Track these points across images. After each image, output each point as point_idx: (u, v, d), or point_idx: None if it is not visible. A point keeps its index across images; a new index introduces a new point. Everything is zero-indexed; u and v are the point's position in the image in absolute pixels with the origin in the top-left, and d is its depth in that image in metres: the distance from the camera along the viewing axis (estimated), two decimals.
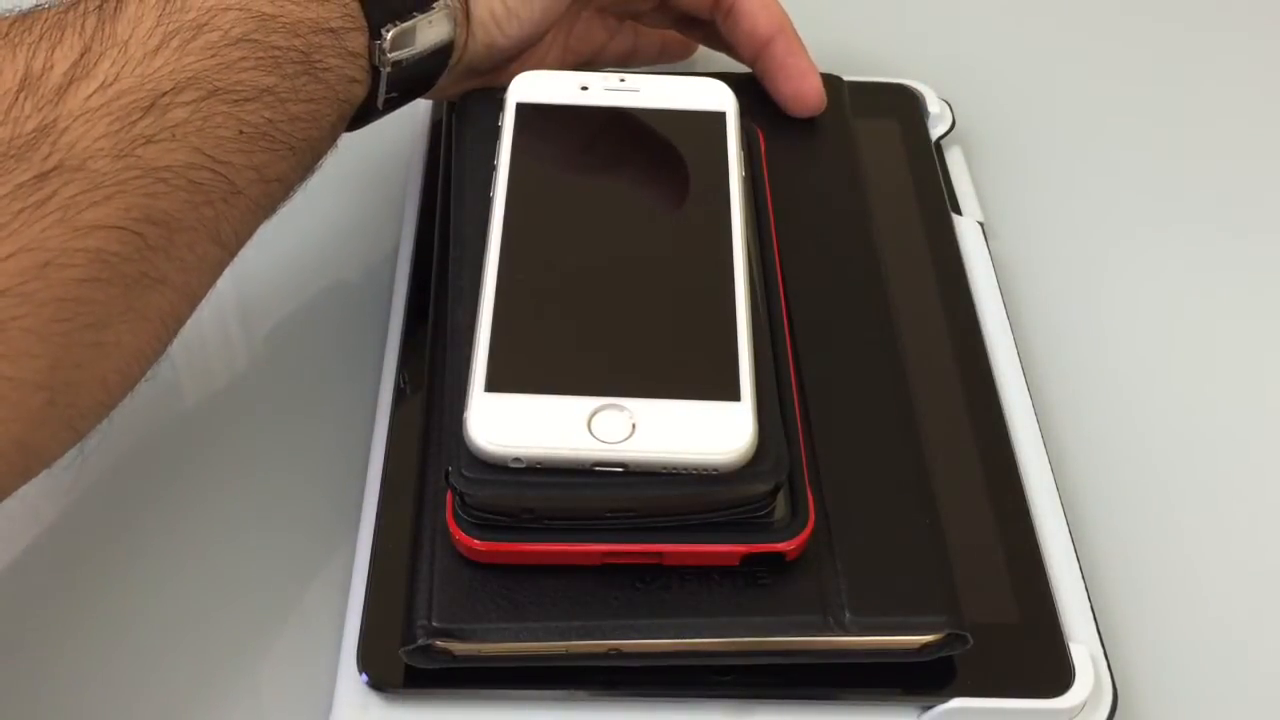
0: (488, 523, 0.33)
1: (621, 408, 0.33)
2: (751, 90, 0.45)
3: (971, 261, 0.45)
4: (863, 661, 0.34)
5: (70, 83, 0.31)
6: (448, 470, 0.33)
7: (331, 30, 0.36)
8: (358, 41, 0.37)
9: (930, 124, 0.49)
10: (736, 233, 0.37)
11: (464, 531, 0.33)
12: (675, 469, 0.32)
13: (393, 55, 0.37)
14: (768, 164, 0.42)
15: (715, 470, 0.32)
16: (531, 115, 0.40)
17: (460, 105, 0.43)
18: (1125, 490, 0.41)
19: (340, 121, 0.38)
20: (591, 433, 0.32)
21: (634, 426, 0.32)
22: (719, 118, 0.40)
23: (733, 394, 0.33)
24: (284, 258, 0.45)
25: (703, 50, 0.50)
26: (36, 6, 0.33)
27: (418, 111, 0.47)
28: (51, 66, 0.31)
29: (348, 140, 0.39)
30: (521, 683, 0.34)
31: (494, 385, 0.33)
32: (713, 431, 0.33)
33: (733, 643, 0.33)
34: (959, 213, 0.47)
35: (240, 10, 0.34)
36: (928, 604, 0.34)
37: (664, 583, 0.34)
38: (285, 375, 0.43)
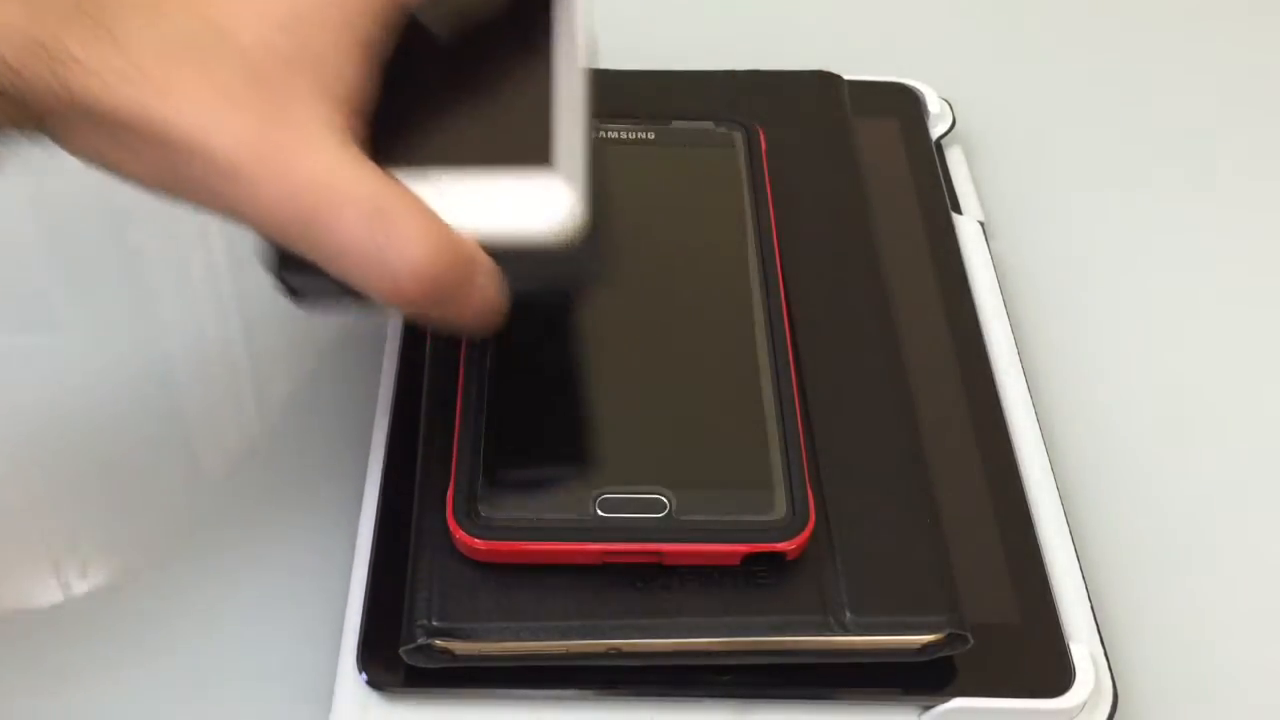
0: (491, 522, 0.33)
1: (429, 179, 0.31)
2: (752, 90, 0.45)
3: (971, 261, 0.45)
4: (863, 661, 0.34)
5: None
6: (277, 267, 0.31)
7: None
8: None
9: (930, 124, 0.49)
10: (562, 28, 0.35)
11: (464, 531, 0.33)
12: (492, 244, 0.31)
13: None
14: (768, 163, 0.42)
15: (532, 242, 0.31)
16: None
17: None
18: (1125, 490, 0.41)
19: None
20: None
21: (442, 196, 0.30)
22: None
23: (544, 161, 0.31)
24: None
25: (702, 50, 0.50)
26: None
27: None
28: None
29: None
30: (521, 683, 0.34)
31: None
32: (527, 202, 0.31)
33: (733, 643, 0.33)
34: (959, 212, 0.47)
35: None
36: (928, 604, 0.34)
37: (664, 583, 0.34)
38: (286, 371, 0.43)
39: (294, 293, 0.31)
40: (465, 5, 0.35)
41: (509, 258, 0.30)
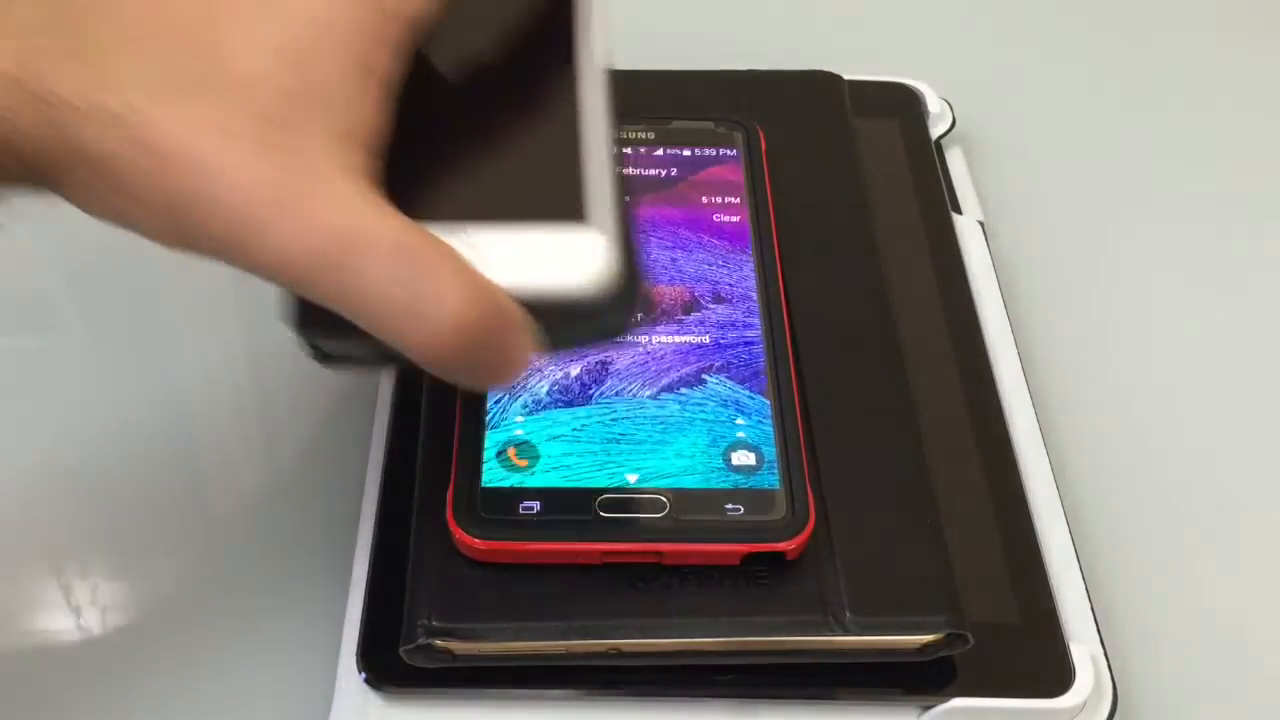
0: (491, 522, 0.33)
1: (463, 234, 0.29)
2: (752, 90, 0.45)
3: (971, 261, 0.45)
4: (862, 661, 0.34)
5: None
6: (296, 324, 0.30)
7: None
8: None
9: (930, 123, 0.49)
10: (586, 65, 0.33)
11: (464, 530, 0.33)
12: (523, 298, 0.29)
13: None
14: (768, 163, 0.42)
15: (566, 297, 0.29)
16: None
17: None
18: (1125, 490, 0.41)
19: None
20: None
21: (474, 250, 0.29)
22: None
23: (578, 216, 0.30)
24: None
25: (703, 50, 0.50)
26: None
27: None
28: None
29: None
30: (521, 683, 0.34)
31: None
32: (561, 256, 0.29)
33: (733, 643, 0.33)
34: (959, 212, 0.47)
35: None
36: (928, 604, 0.34)
37: (664, 583, 0.34)
38: (287, 371, 0.43)
39: (322, 355, 0.30)
40: (476, 34, 0.33)
41: (542, 313, 0.29)
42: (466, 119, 0.32)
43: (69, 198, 0.27)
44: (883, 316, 0.40)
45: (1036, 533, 0.37)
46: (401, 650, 0.33)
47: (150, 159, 0.26)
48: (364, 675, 0.34)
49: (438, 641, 0.32)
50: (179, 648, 0.37)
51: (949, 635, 0.33)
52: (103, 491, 0.40)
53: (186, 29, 0.27)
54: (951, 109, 0.50)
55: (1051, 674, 0.35)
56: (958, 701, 0.34)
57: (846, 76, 0.48)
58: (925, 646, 0.33)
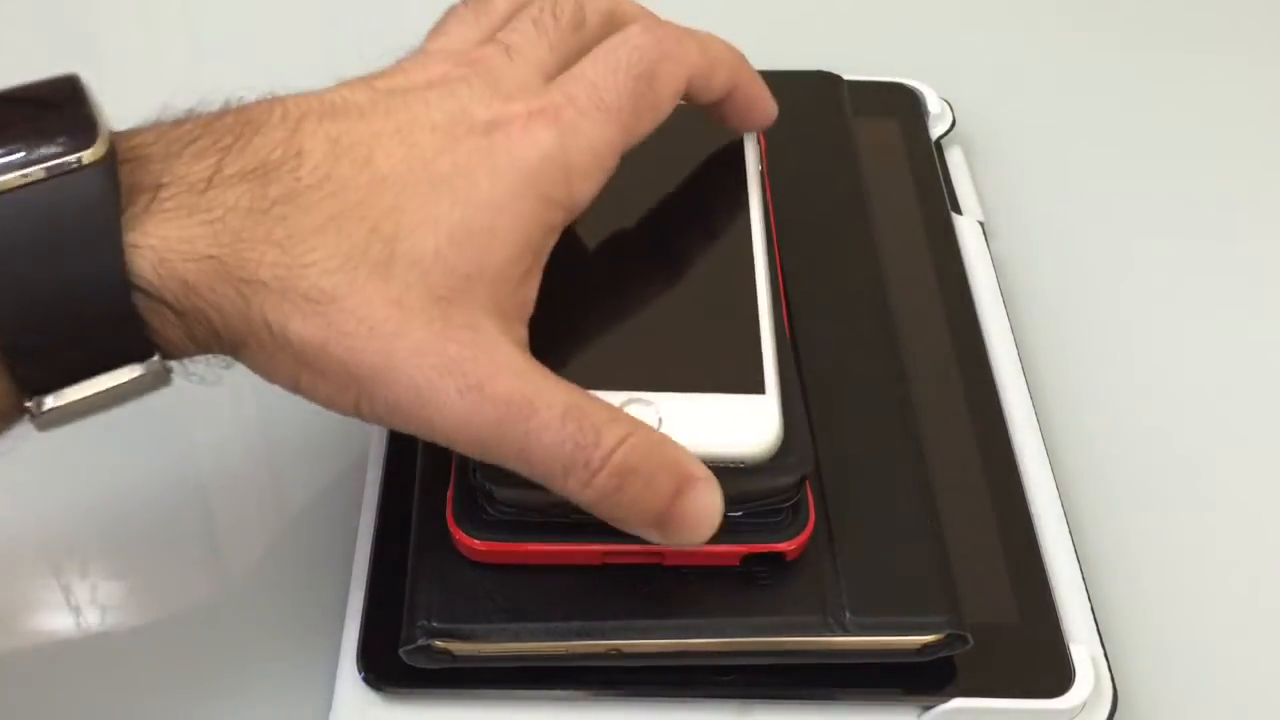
0: (491, 522, 0.33)
1: (648, 403, 0.32)
2: None
3: (971, 261, 0.45)
4: (863, 661, 0.34)
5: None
6: (474, 469, 0.32)
7: None
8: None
9: (930, 124, 0.49)
10: (757, 232, 0.37)
11: (464, 531, 0.33)
12: (704, 462, 0.32)
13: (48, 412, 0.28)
14: (768, 163, 0.42)
15: (743, 463, 0.32)
16: None
17: None
18: (1125, 490, 0.41)
19: None
20: None
21: (660, 421, 0.32)
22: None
23: (758, 387, 0.33)
24: None
25: None
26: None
27: None
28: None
29: None
30: (521, 683, 0.34)
31: None
32: (740, 424, 0.32)
33: (733, 643, 0.33)
34: (959, 212, 0.47)
35: None
36: (928, 604, 0.34)
37: (664, 583, 0.34)
38: None
39: (497, 503, 0.33)
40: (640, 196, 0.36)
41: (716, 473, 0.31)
42: (642, 292, 0.35)
43: (253, 367, 0.29)
44: (883, 317, 0.40)
45: (1036, 533, 0.37)
46: (401, 651, 0.33)
47: (334, 343, 0.28)
48: (364, 675, 0.34)
49: (438, 642, 0.32)
50: (179, 648, 0.37)
51: (949, 635, 0.33)
52: (103, 491, 0.40)
53: (368, 214, 0.29)
54: (951, 109, 0.50)
55: (1051, 674, 0.35)
56: (958, 701, 0.34)
57: (846, 76, 0.48)
58: (925, 647, 0.33)
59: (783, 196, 0.42)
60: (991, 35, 0.57)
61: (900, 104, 0.49)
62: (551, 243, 0.32)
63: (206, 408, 0.43)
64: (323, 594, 0.37)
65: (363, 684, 0.34)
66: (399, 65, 0.33)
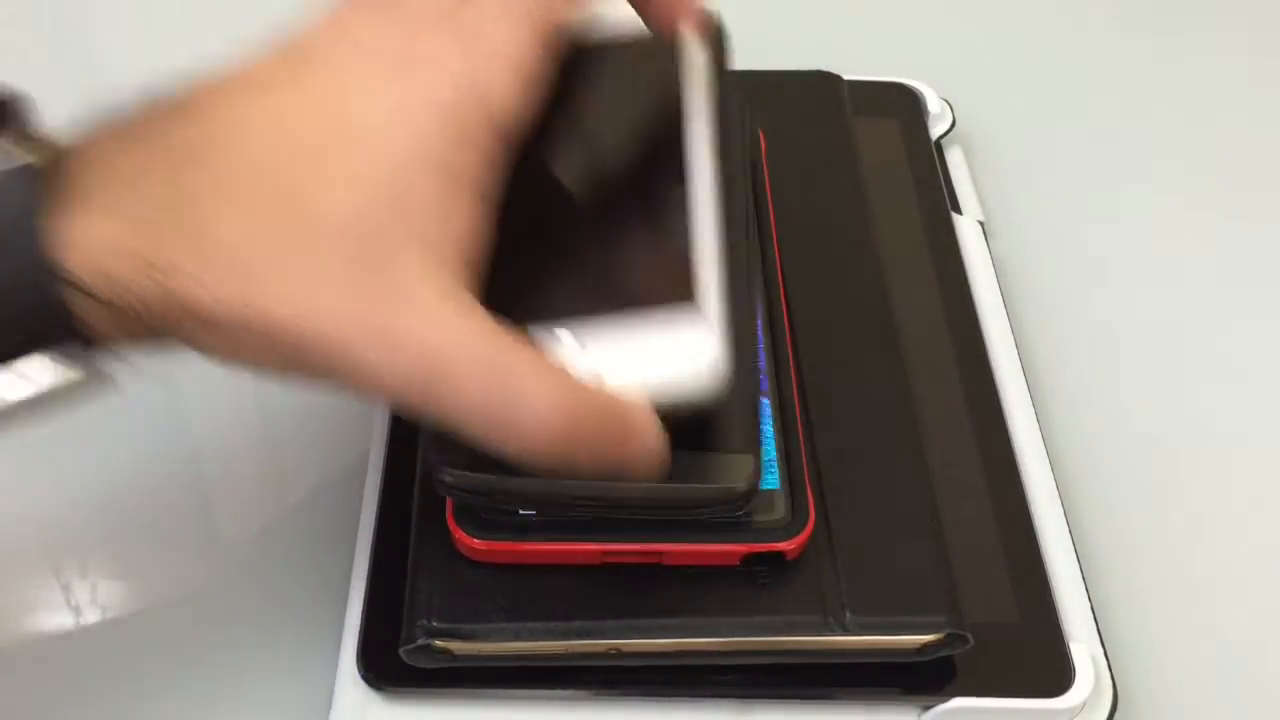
0: (491, 522, 0.33)
1: (576, 333, 0.30)
2: (752, 90, 0.45)
3: (971, 261, 0.45)
4: (863, 661, 0.34)
5: None
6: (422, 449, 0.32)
7: None
8: None
9: (930, 124, 0.49)
10: (699, 144, 0.34)
11: (464, 531, 0.33)
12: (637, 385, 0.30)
13: None
14: (768, 164, 0.42)
15: (681, 383, 0.30)
16: None
17: None
18: (1125, 490, 0.41)
19: None
20: None
21: (586, 348, 0.30)
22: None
23: (687, 296, 0.31)
24: None
25: None
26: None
27: None
28: None
29: None
30: (521, 683, 0.34)
31: None
32: (673, 343, 0.31)
33: (733, 642, 0.33)
34: (959, 212, 0.47)
35: None
36: (928, 604, 0.34)
37: (664, 583, 0.34)
38: None
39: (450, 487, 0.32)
40: (582, 133, 0.34)
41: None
42: (574, 219, 0.33)
43: (186, 348, 0.29)
44: (883, 316, 0.40)
45: (1036, 533, 0.37)
46: (401, 650, 0.33)
47: (251, 312, 0.28)
48: (364, 674, 0.34)
49: (438, 642, 0.32)
50: (179, 648, 0.37)
51: (949, 635, 0.33)
52: (104, 491, 0.40)
53: (279, 181, 0.29)
54: (951, 109, 0.50)
55: (1051, 674, 0.35)
56: (958, 701, 0.34)
57: (846, 76, 0.48)
58: (925, 646, 0.33)
59: (783, 196, 0.42)
60: (991, 35, 0.57)
61: (900, 104, 0.49)
62: (486, 173, 0.30)
63: (207, 408, 0.43)
64: (323, 593, 0.37)
65: (363, 683, 0.34)
66: (310, 27, 0.32)
